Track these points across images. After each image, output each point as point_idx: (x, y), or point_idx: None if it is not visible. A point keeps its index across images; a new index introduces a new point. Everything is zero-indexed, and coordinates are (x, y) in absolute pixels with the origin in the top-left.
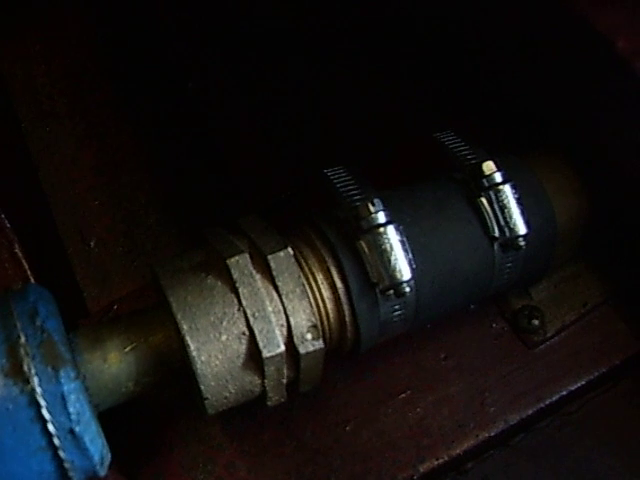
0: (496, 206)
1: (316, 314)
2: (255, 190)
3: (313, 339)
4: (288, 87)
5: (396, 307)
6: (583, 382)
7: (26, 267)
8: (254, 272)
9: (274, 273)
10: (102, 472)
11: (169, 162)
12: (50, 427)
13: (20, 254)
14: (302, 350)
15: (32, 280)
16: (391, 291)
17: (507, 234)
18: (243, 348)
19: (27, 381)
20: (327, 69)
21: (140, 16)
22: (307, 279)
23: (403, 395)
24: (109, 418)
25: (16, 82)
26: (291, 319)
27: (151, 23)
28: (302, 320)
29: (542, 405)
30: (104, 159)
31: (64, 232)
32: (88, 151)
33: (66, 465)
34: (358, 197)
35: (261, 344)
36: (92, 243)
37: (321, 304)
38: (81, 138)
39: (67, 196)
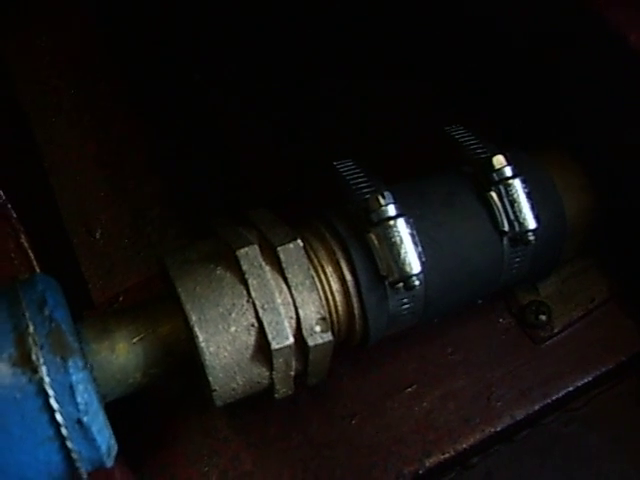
0: (506, 200)
1: (325, 306)
2: (262, 182)
3: (322, 331)
4: (297, 79)
5: (405, 300)
6: (589, 378)
7: (32, 258)
8: (263, 264)
9: (283, 265)
10: (109, 463)
11: (174, 154)
12: (58, 417)
13: (26, 245)
14: (311, 342)
15: (38, 271)
16: (400, 284)
17: (516, 228)
18: (252, 340)
19: (35, 370)
20: (336, 62)
21: (145, 8)
22: (316, 271)
23: (409, 389)
24: (116, 409)
25: (21, 74)
26: (300, 311)
27: (156, 15)
28: (311, 312)
29: (548, 401)
30: (109, 151)
31: (69, 223)
32: (93, 143)
33: (73, 455)
34: (368, 190)
35: (270, 336)
36: (97, 234)
37: (330, 297)
38: (86, 130)
39: (72, 187)
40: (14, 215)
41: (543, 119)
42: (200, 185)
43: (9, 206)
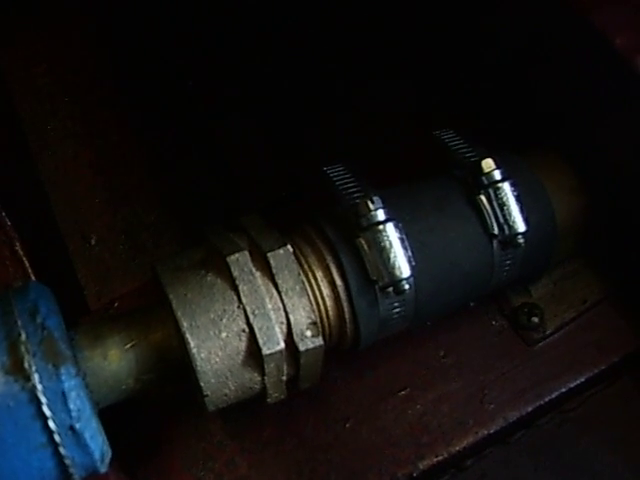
0: (495, 204)
1: (316, 311)
2: (255, 188)
3: (313, 336)
4: (289, 85)
5: (395, 304)
6: (583, 379)
7: (27, 265)
8: (254, 270)
9: (274, 271)
10: (103, 469)
11: (169, 160)
12: (51, 424)
13: (21, 252)
14: (302, 347)
15: (33, 278)
16: (390, 288)
17: (506, 231)
18: (243, 345)
19: (28, 378)
20: (328, 67)
21: (140, 15)
22: (307, 276)
23: (403, 392)
24: (110, 415)
25: (17, 81)
26: (291, 316)
27: (151, 22)
28: (302, 317)
29: (542, 402)
30: (104, 157)
31: (65, 230)
32: (88, 149)
33: (67, 462)
34: (357, 195)
35: (261, 341)
36: (93, 241)
37: (321, 301)
38: (81, 137)
39: (68, 194)
40: (8, 222)
41: (534, 121)
42: (195, 191)
43: (3, 213)
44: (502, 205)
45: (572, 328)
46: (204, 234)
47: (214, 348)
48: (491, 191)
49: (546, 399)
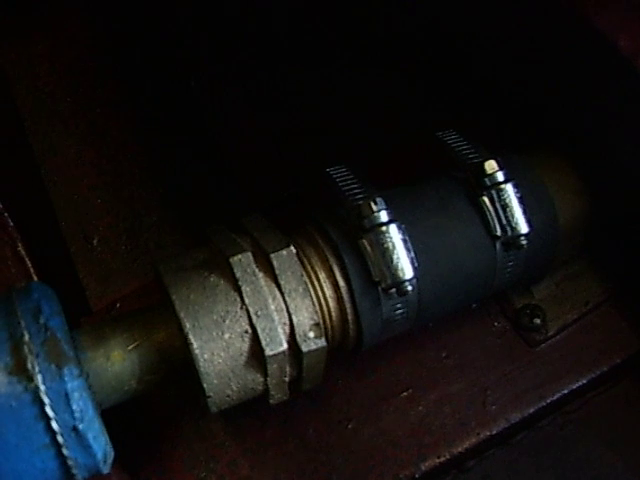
0: (498, 205)
1: (318, 312)
2: (257, 189)
3: (315, 337)
4: (290, 86)
5: (398, 306)
6: (584, 381)
7: (29, 265)
8: (257, 270)
9: (277, 272)
10: (105, 469)
11: (171, 161)
12: (54, 424)
13: (23, 252)
14: (304, 348)
15: (35, 278)
16: (393, 290)
17: (509, 233)
18: (246, 346)
19: (31, 379)
20: (329, 68)
21: (143, 15)
22: (309, 277)
23: (405, 393)
24: (112, 416)
25: (19, 81)
26: (294, 317)
27: (154, 22)
28: (304, 318)
29: (544, 403)
30: (107, 158)
31: (67, 230)
32: (91, 150)
33: (69, 462)
34: (360, 196)
35: (264, 342)
36: (95, 241)
37: (323, 302)
38: (84, 137)
39: (70, 195)
40: (11, 223)
41: (537, 122)
42: (197, 192)
43: (6, 214)
44: (505, 206)
45: (574, 330)
46: (207, 235)
47: (217, 349)
48: (494, 192)
49: (548, 400)
